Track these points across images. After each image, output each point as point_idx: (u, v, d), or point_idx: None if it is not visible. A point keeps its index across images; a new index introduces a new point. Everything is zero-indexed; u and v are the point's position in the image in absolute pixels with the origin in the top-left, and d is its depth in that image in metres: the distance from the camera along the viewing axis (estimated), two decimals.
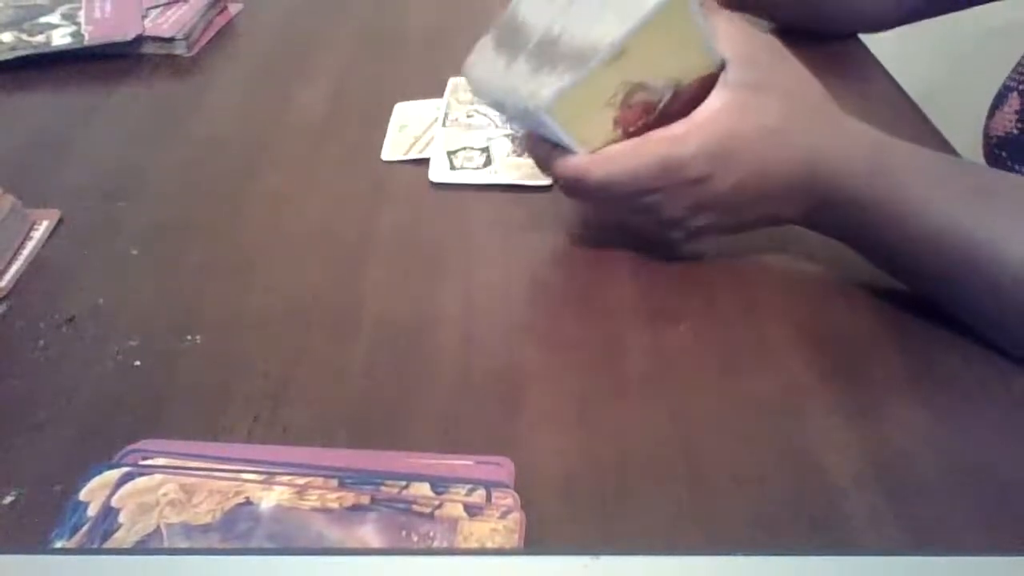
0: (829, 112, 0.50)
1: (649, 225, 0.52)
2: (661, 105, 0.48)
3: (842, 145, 0.49)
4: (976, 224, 0.46)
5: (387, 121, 0.69)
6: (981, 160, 0.71)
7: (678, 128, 0.48)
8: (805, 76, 0.50)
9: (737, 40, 0.49)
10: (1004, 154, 0.68)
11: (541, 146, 0.51)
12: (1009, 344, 0.47)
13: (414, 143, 0.67)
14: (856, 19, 0.77)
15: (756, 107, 0.48)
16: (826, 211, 0.50)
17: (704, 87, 0.48)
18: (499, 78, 0.49)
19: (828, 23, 0.77)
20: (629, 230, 0.54)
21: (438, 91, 0.72)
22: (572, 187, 0.51)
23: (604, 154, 0.49)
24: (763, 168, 0.49)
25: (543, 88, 0.47)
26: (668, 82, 0.48)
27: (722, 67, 0.48)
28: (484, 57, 0.50)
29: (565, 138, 0.48)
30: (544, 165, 0.52)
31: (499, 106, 0.51)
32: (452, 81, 0.73)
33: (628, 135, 0.49)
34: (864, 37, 0.80)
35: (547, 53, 0.47)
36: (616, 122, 0.48)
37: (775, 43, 0.50)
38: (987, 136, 0.72)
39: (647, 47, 0.46)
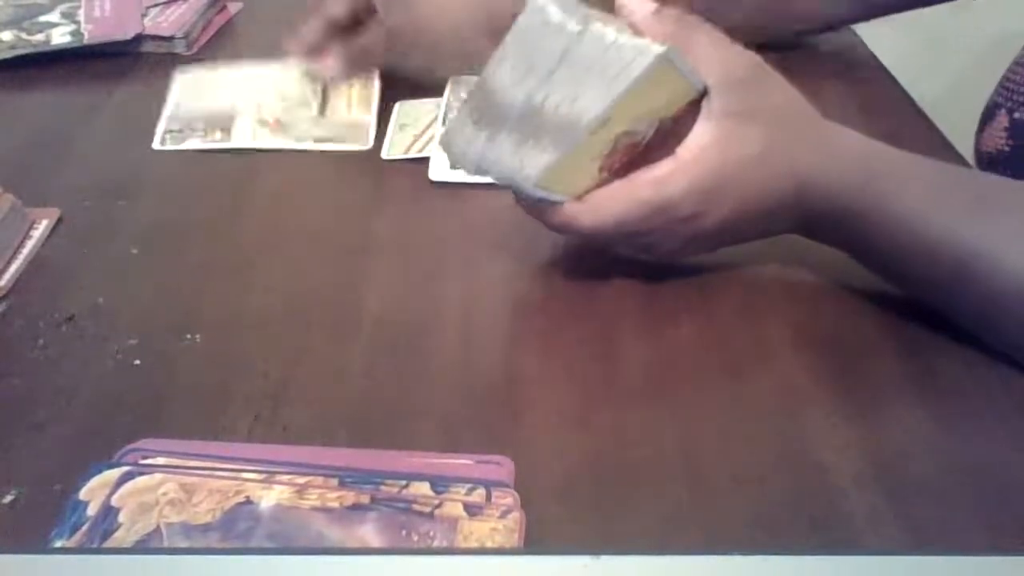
0: (816, 127, 0.50)
1: (647, 253, 0.52)
2: (645, 141, 0.48)
3: (832, 159, 0.49)
4: (974, 234, 0.46)
5: (387, 120, 0.69)
6: None
7: (664, 168, 0.47)
8: (790, 94, 0.50)
9: (718, 64, 0.48)
10: (996, 171, 0.67)
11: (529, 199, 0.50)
12: (1010, 350, 0.47)
13: (414, 142, 0.67)
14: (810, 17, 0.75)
15: (741, 137, 0.48)
16: (821, 223, 0.50)
17: (688, 112, 0.48)
18: (481, 151, 0.48)
19: (782, 23, 0.75)
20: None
21: (438, 91, 0.72)
22: (564, 232, 0.51)
23: (592, 201, 0.48)
24: (754, 194, 0.48)
25: (529, 165, 0.47)
26: (652, 122, 0.48)
27: (704, 92, 0.47)
28: (462, 131, 0.49)
29: (552, 198, 0.48)
30: (534, 214, 0.51)
31: (483, 174, 0.49)
32: (452, 80, 0.73)
33: (614, 174, 0.48)
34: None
35: (530, 125, 0.46)
36: (601, 168, 0.48)
37: (757, 62, 0.49)
38: (978, 152, 0.72)
39: (633, 106, 0.46)
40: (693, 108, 0.48)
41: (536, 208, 0.50)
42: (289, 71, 0.72)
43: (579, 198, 0.48)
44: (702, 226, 0.49)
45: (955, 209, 0.48)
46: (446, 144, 0.50)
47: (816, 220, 0.50)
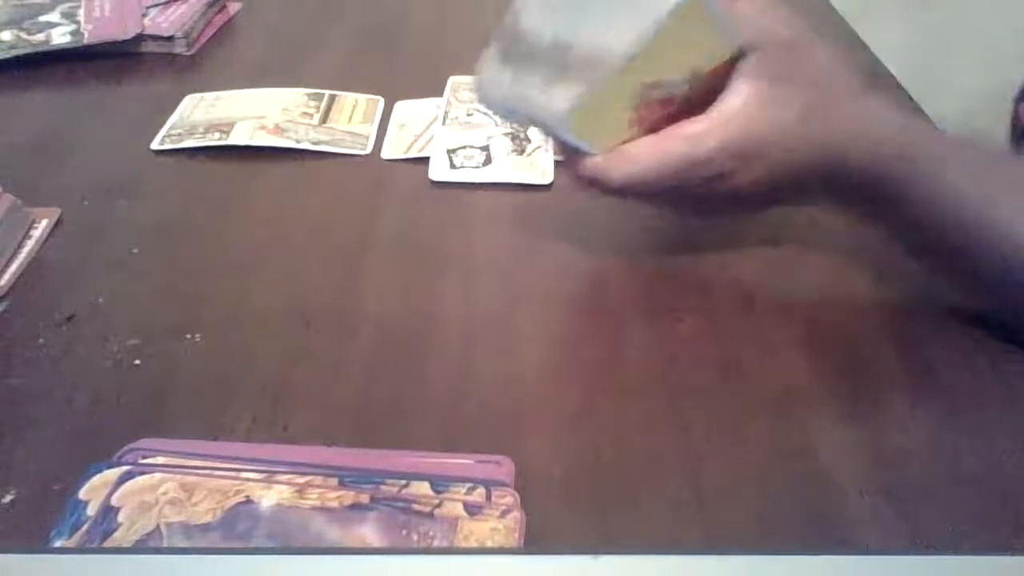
0: (855, 97, 0.49)
1: (674, 211, 0.51)
2: (679, 97, 0.48)
3: (868, 130, 0.48)
4: (1011, 209, 0.45)
5: (387, 120, 0.69)
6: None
7: (698, 125, 0.47)
8: (832, 62, 0.49)
9: (757, 25, 0.47)
10: None
11: (585, 168, 0.49)
12: None
13: (414, 142, 0.67)
14: None
15: (778, 100, 0.47)
16: (854, 193, 0.49)
17: (726, 70, 0.47)
18: (509, 90, 0.48)
19: None
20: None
21: (438, 91, 0.72)
22: (593, 187, 0.50)
23: (623, 154, 0.48)
24: (785, 159, 0.47)
25: (557, 100, 0.46)
26: (685, 76, 0.47)
27: (742, 52, 0.47)
28: (491, 70, 0.49)
29: (582, 145, 0.48)
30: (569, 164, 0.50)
31: (512, 115, 0.50)
32: (452, 80, 0.73)
33: (646, 131, 0.48)
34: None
35: (558, 62, 0.46)
36: (632, 121, 0.47)
37: (801, 26, 0.48)
38: (1015, 122, 0.71)
39: (662, 49, 0.45)
40: (732, 67, 0.47)
41: (570, 159, 0.49)
42: (293, 92, 0.72)
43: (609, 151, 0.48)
44: (733, 186, 0.48)
45: (993, 185, 0.47)
46: (478, 89, 0.50)
47: (849, 190, 0.49)
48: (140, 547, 0.37)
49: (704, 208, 0.51)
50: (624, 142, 0.48)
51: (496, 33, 0.49)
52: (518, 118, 0.49)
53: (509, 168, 0.63)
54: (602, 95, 0.46)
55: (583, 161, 0.48)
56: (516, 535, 0.38)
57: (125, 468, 0.41)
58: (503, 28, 0.48)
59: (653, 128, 0.48)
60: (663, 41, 0.45)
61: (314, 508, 0.39)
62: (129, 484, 0.40)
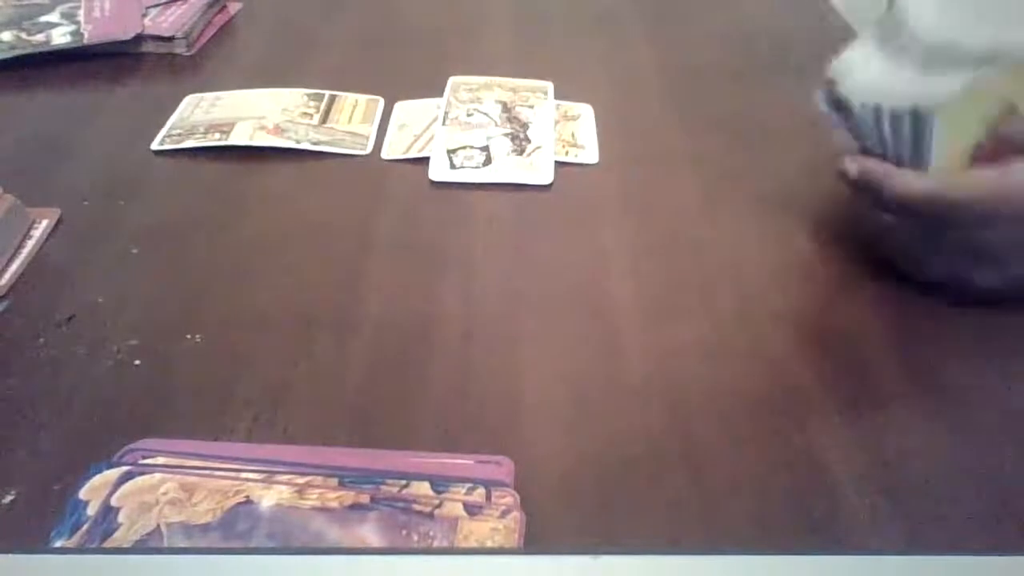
0: None
1: (949, 261, 0.49)
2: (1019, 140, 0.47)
3: None
4: None
5: (387, 120, 0.69)
6: None
7: None
8: None
9: None
10: None
11: (881, 165, 0.49)
12: None
13: (414, 142, 0.67)
14: None
15: None
16: None
17: None
18: (882, 75, 0.48)
19: None
20: (884, 246, 0.52)
21: (438, 91, 0.72)
22: (910, 208, 0.48)
23: (969, 177, 0.46)
24: None
25: (934, 90, 0.46)
26: None
27: None
28: (863, 56, 0.49)
29: (930, 153, 0.47)
30: (881, 182, 0.48)
31: (872, 98, 0.48)
32: (452, 80, 0.73)
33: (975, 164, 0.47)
34: None
35: (945, 56, 0.46)
36: (972, 155, 0.47)
37: None
38: None
39: None
40: None
41: (887, 173, 0.48)
42: (293, 92, 0.72)
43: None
44: None
45: None
46: (842, 70, 0.49)
47: None
48: (140, 547, 0.37)
49: (994, 269, 0.49)
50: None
51: (876, 23, 0.49)
52: (880, 103, 0.48)
53: (509, 168, 0.63)
54: (978, 98, 0.46)
55: (916, 180, 0.47)
56: (516, 535, 0.38)
57: (125, 468, 0.41)
58: (884, 18, 0.49)
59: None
60: None
61: (314, 508, 0.39)
62: (129, 484, 0.40)
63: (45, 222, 0.58)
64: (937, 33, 0.47)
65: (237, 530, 0.38)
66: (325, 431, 0.44)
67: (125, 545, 0.38)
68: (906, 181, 0.48)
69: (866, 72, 0.49)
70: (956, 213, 0.47)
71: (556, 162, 0.64)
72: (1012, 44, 0.45)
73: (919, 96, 0.47)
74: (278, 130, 0.67)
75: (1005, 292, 0.49)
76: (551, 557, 0.33)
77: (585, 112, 0.71)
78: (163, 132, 0.68)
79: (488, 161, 0.64)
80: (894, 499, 0.41)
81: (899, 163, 0.49)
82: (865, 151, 0.50)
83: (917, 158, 0.48)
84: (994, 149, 0.47)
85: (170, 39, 0.80)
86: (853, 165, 0.50)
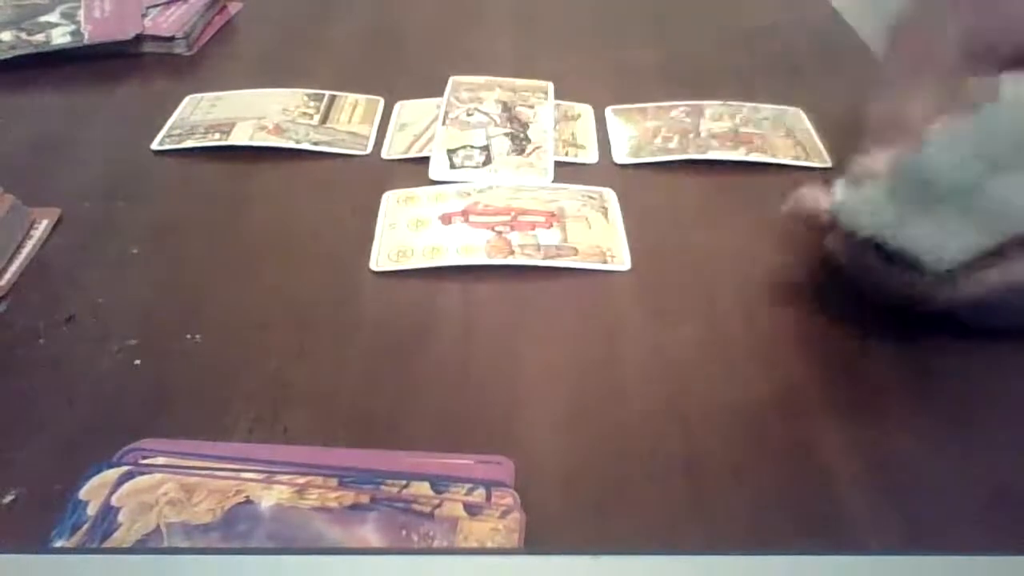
0: None
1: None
2: None
3: None
4: None
5: (387, 120, 0.69)
6: None
7: None
8: None
9: None
10: None
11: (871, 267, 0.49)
12: None
13: (414, 142, 0.67)
14: None
15: None
16: None
17: None
18: (892, 221, 0.47)
19: None
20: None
21: (438, 91, 0.72)
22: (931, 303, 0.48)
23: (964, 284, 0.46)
24: None
25: (952, 243, 0.45)
26: None
27: None
28: (874, 200, 0.48)
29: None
30: (876, 287, 0.49)
31: (885, 241, 0.47)
32: (452, 80, 0.73)
33: None
34: None
35: (965, 207, 0.45)
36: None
37: None
38: None
39: None
40: None
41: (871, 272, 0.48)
42: (293, 92, 0.72)
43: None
44: None
45: None
46: (849, 212, 0.48)
47: None
48: (140, 547, 0.37)
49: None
50: None
51: (890, 167, 0.48)
52: (875, 236, 0.48)
53: (509, 168, 0.63)
54: (990, 246, 0.45)
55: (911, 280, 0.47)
56: (516, 535, 0.38)
57: (125, 468, 0.41)
58: (900, 162, 0.48)
59: None
60: None
61: (314, 508, 0.39)
62: (129, 484, 0.40)
63: (45, 222, 0.58)
64: (953, 181, 0.46)
65: (237, 530, 0.38)
66: (325, 431, 0.44)
67: (125, 545, 0.38)
68: (892, 282, 0.48)
69: (878, 216, 0.47)
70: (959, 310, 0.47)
71: (556, 162, 0.64)
72: None
73: (934, 247, 0.46)
74: (278, 130, 0.67)
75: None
76: (551, 557, 0.33)
77: (585, 112, 0.71)
78: (163, 132, 0.68)
79: (488, 161, 0.64)
80: (894, 499, 0.41)
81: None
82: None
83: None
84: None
85: (170, 39, 0.80)
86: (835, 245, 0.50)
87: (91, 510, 0.39)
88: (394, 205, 0.60)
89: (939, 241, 0.46)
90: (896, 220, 0.47)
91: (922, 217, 0.46)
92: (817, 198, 0.51)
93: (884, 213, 0.47)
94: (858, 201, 0.49)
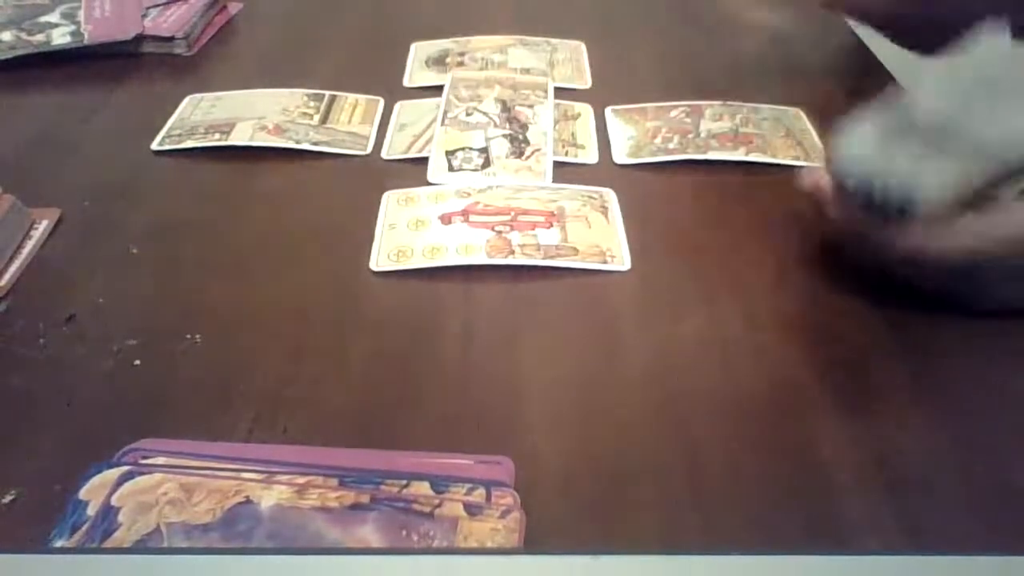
0: None
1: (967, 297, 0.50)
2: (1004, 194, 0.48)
3: None
4: None
5: (387, 120, 0.70)
6: None
7: None
8: None
9: None
10: None
11: (868, 222, 0.50)
12: None
13: (414, 142, 0.67)
14: None
15: None
16: None
17: None
18: (878, 154, 0.49)
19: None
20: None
21: (438, 91, 0.72)
22: (904, 258, 0.49)
23: (949, 229, 0.47)
24: None
25: (927, 179, 0.47)
26: None
27: None
28: (863, 132, 0.50)
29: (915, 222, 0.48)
30: (863, 237, 0.50)
31: (858, 176, 0.49)
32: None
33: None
34: None
35: (939, 143, 0.47)
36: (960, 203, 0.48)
37: None
38: None
39: None
40: None
41: (868, 229, 0.49)
42: (293, 92, 0.72)
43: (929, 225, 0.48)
44: None
45: None
46: (840, 142, 0.50)
47: None
48: (140, 547, 0.37)
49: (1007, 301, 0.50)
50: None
51: (882, 101, 0.50)
52: (861, 179, 0.49)
53: (507, 171, 0.63)
54: (968, 182, 0.47)
55: (902, 233, 0.48)
56: (516, 535, 0.38)
57: (125, 468, 0.41)
58: (891, 97, 0.50)
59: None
60: None
61: (314, 508, 0.39)
62: (129, 484, 0.40)
63: (45, 222, 0.58)
64: (937, 117, 0.48)
65: (237, 530, 0.38)
66: (325, 431, 0.44)
67: (125, 545, 0.38)
68: (894, 239, 0.49)
69: (866, 150, 0.49)
70: (941, 263, 0.48)
71: (556, 162, 0.64)
72: (1009, 136, 0.46)
73: (912, 178, 0.47)
74: (278, 130, 0.67)
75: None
76: (551, 557, 0.34)
77: (585, 112, 0.71)
78: (163, 132, 0.68)
79: (487, 163, 0.64)
80: (894, 498, 0.41)
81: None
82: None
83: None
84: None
85: (170, 39, 0.80)
86: (838, 213, 0.51)
87: (91, 510, 0.39)
88: (394, 205, 0.60)
89: (921, 180, 0.47)
90: (883, 157, 0.48)
91: (906, 156, 0.48)
92: (823, 175, 0.52)
93: (872, 150, 0.49)
94: (851, 138, 0.50)
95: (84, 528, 0.38)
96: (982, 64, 0.49)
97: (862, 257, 0.52)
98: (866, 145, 0.49)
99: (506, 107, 0.70)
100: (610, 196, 0.60)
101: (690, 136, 0.67)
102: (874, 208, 0.49)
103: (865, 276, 0.52)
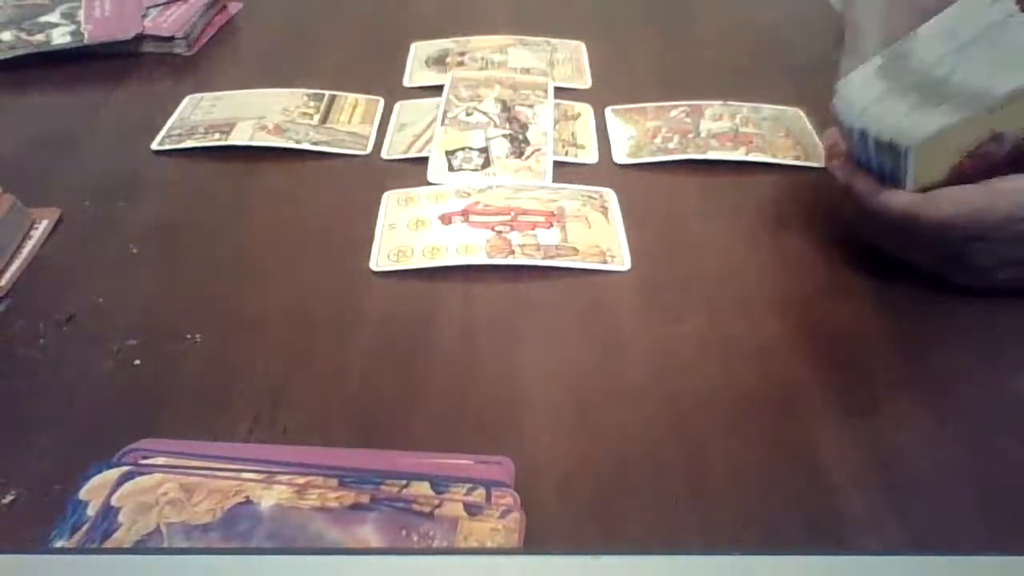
0: None
1: (936, 263, 0.51)
2: (1001, 155, 0.48)
3: None
4: None
5: (387, 120, 0.69)
6: None
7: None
8: None
9: None
10: None
11: (865, 180, 0.51)
12: None
13: (414, 142, 0.67)
14: None
15: None
16: None
17: None
18: (873, 101, 0.50)
19: None
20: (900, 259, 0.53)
21: (438, 91, 0.72)
22: (891, 223, 0.49)
23: (948, 196, 0.48)
24: None
25: (918, 126, 0.48)
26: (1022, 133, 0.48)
27: None
28: (862, 79, 0.51)
29: (907, 178, 0.49)
30: (863, 197, 0.50)
31: (856, 124, 0.50)
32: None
33: (958, 181, 0.48)
34: None
35: (934, 91, 0.48)
36: (953, 169, 0.48)
37: None
38: None
39: None
40: None
41: (874, 190, 0.50)
42: (293, 92, 0.72)
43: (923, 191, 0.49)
44: None
45: None
46: (840, 88, 0.52)
47: None
48: (140, 547, 0.37)
49: (993, 270, 0.50)
50: (936, 187, 0.48)
51: (885, 50, 0.51)
52: (857, 134, 0.50)
53: (507, 171, 0.63)
54: (958, 132, 0.47)
55: (895, 196, 0.49)
56: (516, 535, 0.38)
57: (125, 468, 0.41)
58: (894, 48, 0.51)
59: (964, 181, 0.48)
60: None
61: (314, 508, 0.39)
62: (129, 484, 0.40)
63: (45, 222, 0.58)
64: (933, 68, 0.49)
65: (237, 530, 0.38)
66: (325, 431, 0.44)
67: (125, 545, 0.38)
68: (886, 199, 0.49)
69: (863, 95, 0.51)
70: (936, 231, 0.48)
71: (556, 162, 0.64)
72: (1006, 88, 0.47)
73: (904, 128, 0.48)
74: (278, 130, 0.67)
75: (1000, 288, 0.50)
76: (551, 557, 0.33)
77: (585, 112, 0.71)
78: (163, 132, 0.68)
79: (487, 163, 0.64)
80: (894, 499, 0.41)
81: (882, 181, 0.50)
82: (857, 162, 0.52)
83: (895, 183, 0.50)
84: (973, 164, 0.48)
85: (170, 39, 0.80)
86: (840, 172, 0.52)
87: (91, 510, 0.39)
88: (394, 205, 0.60)
89: (909, 120, 0.48)
90: (880, 95, 0.50)
91: (901, 98, 0.49)
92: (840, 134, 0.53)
93: (871, 87, 0.51)
94: (854, 76, 0.52)
95: (84, 528, 0.38)
96: (982, 17, 0.49)
97: (858, 222, 0.52)
98: (870, 77, 0.51)
99: (506, 107, 0.70)
100: (610, 196, 0.60)
101: (690, 136, 0.67)
102: (866, 159, 0.50)
103: (865, 278, 0.52)
